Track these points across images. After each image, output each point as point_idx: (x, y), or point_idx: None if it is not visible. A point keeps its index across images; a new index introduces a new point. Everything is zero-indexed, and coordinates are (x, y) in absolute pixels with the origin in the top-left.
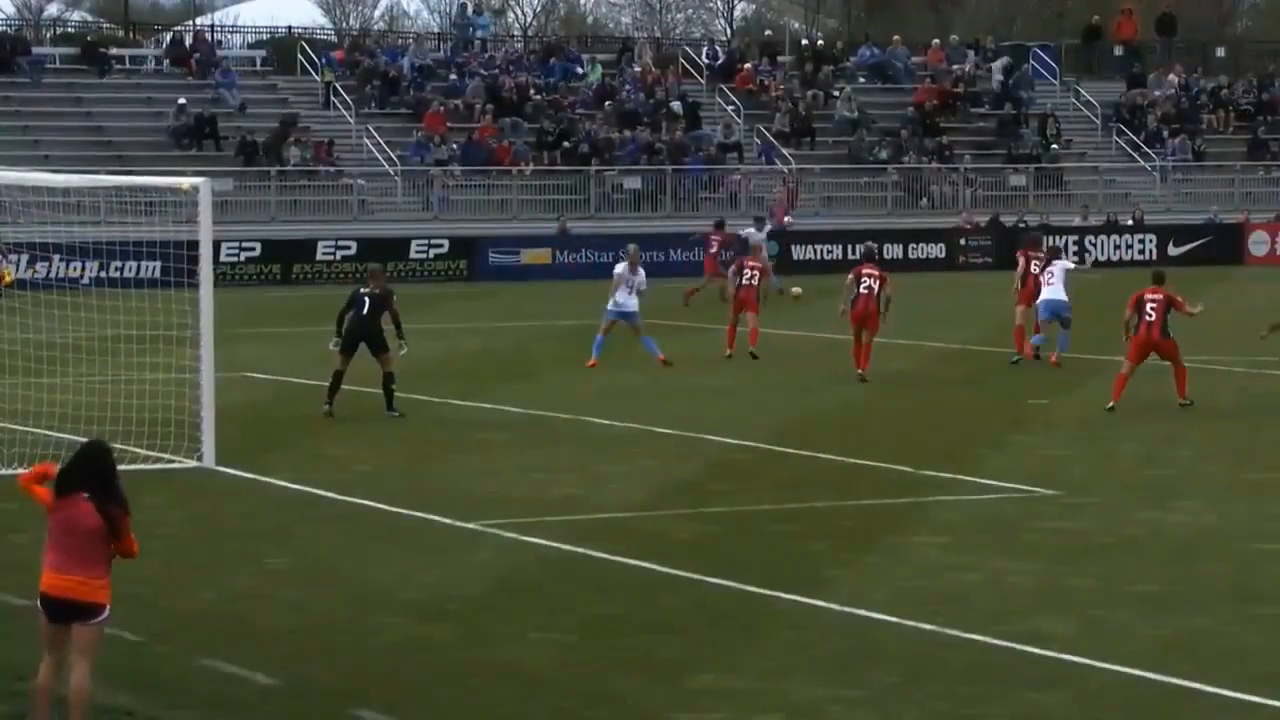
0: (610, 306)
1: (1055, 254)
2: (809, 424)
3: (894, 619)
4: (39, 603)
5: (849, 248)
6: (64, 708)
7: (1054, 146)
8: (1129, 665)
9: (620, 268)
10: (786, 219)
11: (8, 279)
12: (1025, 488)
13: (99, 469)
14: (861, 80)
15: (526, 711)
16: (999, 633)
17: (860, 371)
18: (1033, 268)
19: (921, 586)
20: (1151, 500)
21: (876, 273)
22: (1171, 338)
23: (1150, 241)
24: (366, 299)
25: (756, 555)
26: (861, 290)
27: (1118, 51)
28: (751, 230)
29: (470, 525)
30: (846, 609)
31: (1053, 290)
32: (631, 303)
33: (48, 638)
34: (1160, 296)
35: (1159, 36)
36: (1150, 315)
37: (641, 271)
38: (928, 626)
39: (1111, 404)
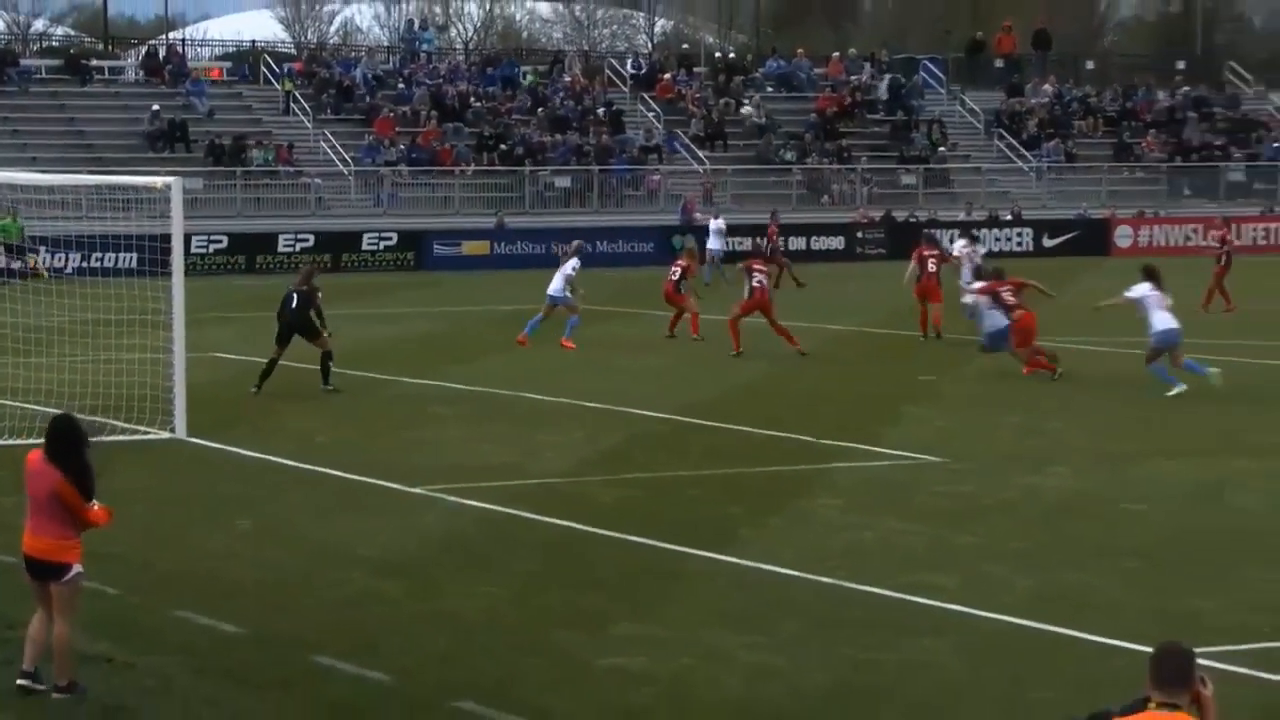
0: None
1: (972, 240)
2: (723, 399)
3: (799, 574)
4: (24, 562)
5: (757, 240)
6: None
7: (941, 149)
8: (1010, 614)
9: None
10: (697, 214)
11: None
12: (915, 455)
13: (62, 439)
14: (769, 89)
15: (467, 657)
16: (892, 585)
17: (798, 350)
18: (929, 266)
19: (823, 544)
20: (1028, 467)
21: (766, 269)
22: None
23: (1027, 235)
24: (294, 295)
25: (674, 517)
26: (754, 284)
27: (998, 64)
28: (712, 220)
29: (418, 490)
30: (756, 565)
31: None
32: (556, 286)
33: (35, 593)
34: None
35: (1035, 51)
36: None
37: (574, 259)
38: (828, 580)
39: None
